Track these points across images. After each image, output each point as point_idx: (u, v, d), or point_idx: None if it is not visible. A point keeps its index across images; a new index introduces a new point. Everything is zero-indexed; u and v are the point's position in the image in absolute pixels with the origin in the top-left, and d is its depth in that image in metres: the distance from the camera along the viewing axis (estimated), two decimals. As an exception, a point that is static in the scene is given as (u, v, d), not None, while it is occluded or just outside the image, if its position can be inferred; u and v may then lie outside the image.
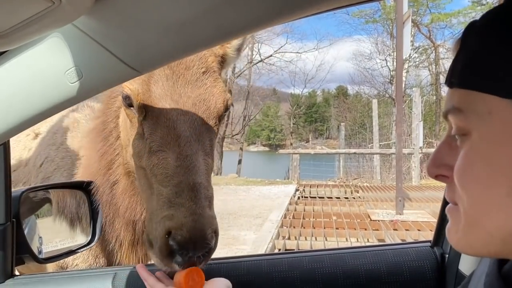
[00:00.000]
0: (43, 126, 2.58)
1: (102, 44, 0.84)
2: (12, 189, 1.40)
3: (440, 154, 0.71)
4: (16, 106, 0.92)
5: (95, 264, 2.00)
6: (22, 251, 1.41)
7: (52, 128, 2.50)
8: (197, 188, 1.30)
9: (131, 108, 1.48)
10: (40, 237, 1.76)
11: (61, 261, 2.00)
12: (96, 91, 0.95)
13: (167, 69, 1.45)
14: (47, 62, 0.89)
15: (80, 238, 1.79)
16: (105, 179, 1.81)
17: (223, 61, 1.68)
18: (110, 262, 1.99)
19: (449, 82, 0.67)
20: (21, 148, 2.61)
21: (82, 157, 2.09)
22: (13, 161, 2.52)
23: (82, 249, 1.66)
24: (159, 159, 1.37)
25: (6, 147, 1.34)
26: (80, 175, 2.02)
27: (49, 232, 1.90)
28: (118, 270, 1.42)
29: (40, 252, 1.69)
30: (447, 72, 0.70)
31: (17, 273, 1.45)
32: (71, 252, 1.64)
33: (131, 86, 1.44)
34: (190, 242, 1.22)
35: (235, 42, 1.70)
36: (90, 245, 1.67)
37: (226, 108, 1.56)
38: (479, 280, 0.74)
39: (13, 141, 2.65)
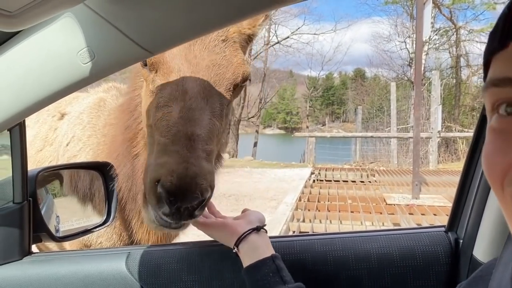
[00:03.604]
0: (69, 107, 2.63)
1: (114, 25, 0.83)
2: (29, 169, 1.43)
3: None
4: (29, 87, 0.93)
5: (119, 242, 2.03)
6: (39, 229, 1.45)
7: (79, 108, 2.54)
8: (194, 139, 1.24)
9: (146, 66, 1.47)
10: (58, 216, 1.80)
11: (86, 239, 2.05)
12: (108, 72, 0.95)
13: None
14: (60, 43, 0.89)
15: (96, 218, 1.82)
16: (127, 152, 1.81)
17: (249, 40, 1.66)
18: (132, 241, 2.00)
19: None
20: (47, 128, 2.68)
21: (107, 134, 2.10)
22: (39, 141, 2.59)
23: (97, 229, 1.69)
24: (163, 113, 1.33)
25: (21, 127, 1.36)
26: (106, 149, 2.03)
27: (66, 212, 1.94)
28: (131, 249, 1.44)
29: (57, 231, 1.73)
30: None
31: (34, 250, 1.49)
32: (86, 231, 1.67)
33: None
34: (179, 190, 1.12)
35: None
36: (105, 225, 1.70)
37: (244, 79, 1.52)
38: (503, 276, 0.67)
39: (40, 123, 2.75)
